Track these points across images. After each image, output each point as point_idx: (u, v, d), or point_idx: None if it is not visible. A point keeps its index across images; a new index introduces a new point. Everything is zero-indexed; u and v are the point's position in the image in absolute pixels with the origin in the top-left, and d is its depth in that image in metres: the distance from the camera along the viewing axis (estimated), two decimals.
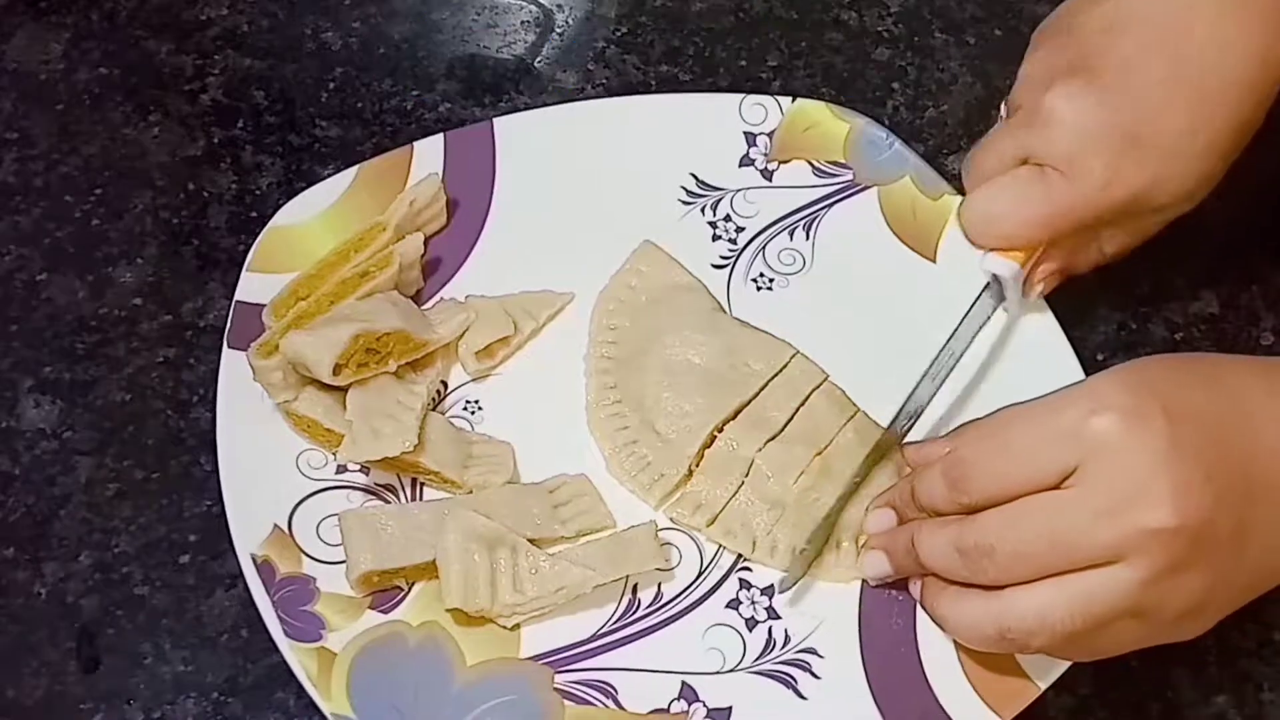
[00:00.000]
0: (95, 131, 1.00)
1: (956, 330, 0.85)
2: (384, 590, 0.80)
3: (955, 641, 0.79)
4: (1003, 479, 0.71)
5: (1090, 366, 0.88)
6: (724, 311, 0.91)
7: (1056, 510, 0.70)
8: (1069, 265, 0.88)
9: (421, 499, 0.84)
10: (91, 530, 0.85)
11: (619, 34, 1.06)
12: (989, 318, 0.87)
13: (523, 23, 1.06)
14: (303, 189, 0.92)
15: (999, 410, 0.75)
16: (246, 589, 0.82)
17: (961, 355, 0.86)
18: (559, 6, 1.07)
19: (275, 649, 0.80)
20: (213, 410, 0.87)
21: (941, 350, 0.85)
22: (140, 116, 1.01)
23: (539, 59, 1.04)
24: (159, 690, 0.80)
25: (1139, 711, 0.82)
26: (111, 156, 0.99)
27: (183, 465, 0.87)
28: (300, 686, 0.79)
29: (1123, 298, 0.95)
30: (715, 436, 0.85)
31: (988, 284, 0.86)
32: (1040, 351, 0.88)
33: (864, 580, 0.82)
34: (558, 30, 1.06)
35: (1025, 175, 0.83)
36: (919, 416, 0.84)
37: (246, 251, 0.92)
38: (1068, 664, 0.78)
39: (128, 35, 1.04)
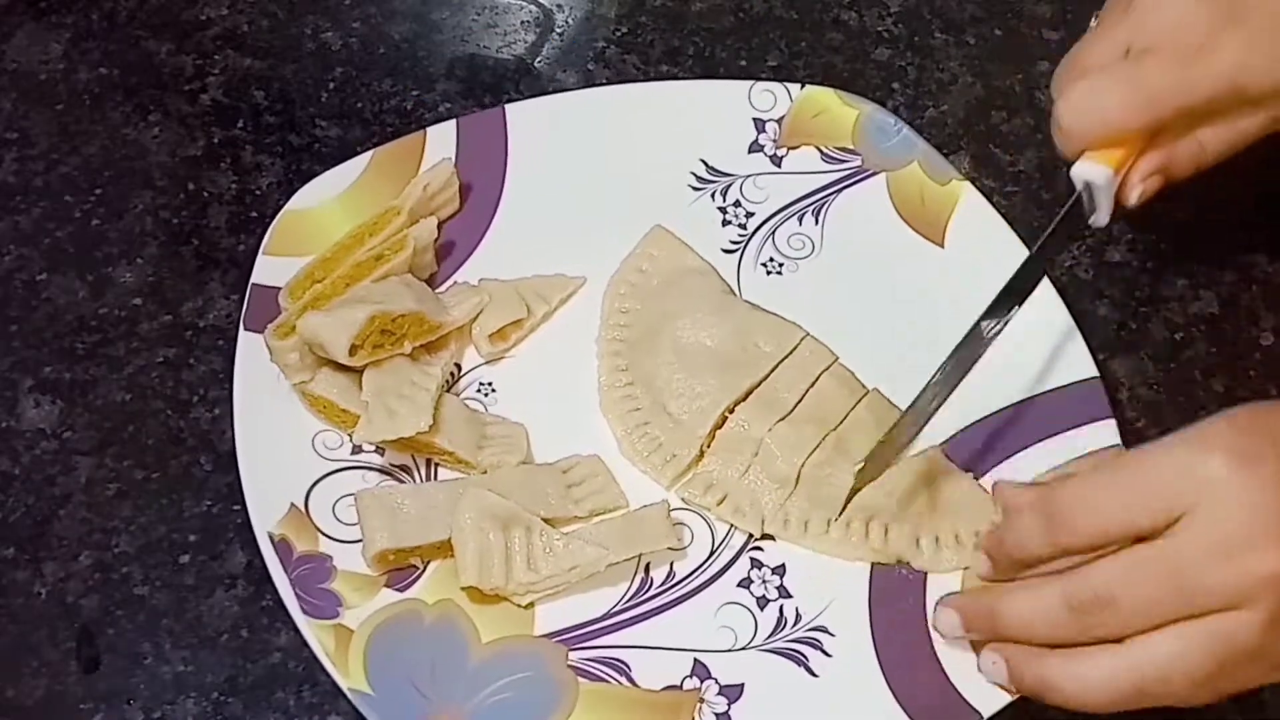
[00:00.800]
0: (95, 131, 1.03)
1: (1045, 239, 0.85)
2: (400, 568, 0.84)
3: None
4: (1107, 518, 0.72)
5: None
6: (734, 294, 0.95)
7: (1175, 554, 0.70)
8: (1169, 168, 0.85)
9: (436, 479, 0.88)
10: (91, 530, 0.88)
11: (619, 34, 1.10)
12: (1083, 230, 0.88)
13: (523, 23, 1.10)
14: (306, 185, 0.96)
15: (1088, 457, 0.79)
16: (246, 589, 0.86)
17: (1041, 276, 0.86)
18: (559, 6, 1.11)
19: (275, 649, 0.85)
20: (213, 410, 0.92)
21: (1024, 267, 0.85)
22: (140, 116, 1.04)
23: (539, 59, 1.08)
24: (159, 690, 0.83)
25: (1139, 711, 0.82)
26: (111, 156, 1.02)
27: (183, 465, 0.90)
28: (300, 686, 0.84)
29: (1123, 297, 0.98)
30: (726, 417, 0.89)
31: (1075, 200, 0.84)
32: (1051, 340, 0.93)
33: (873, 561, 0.87)
34: (558, 30, 1.10)
35: (1120, 65, 0.82)
36: (997, 335, 0.85)
37: (246, 251, 0.96)
38: None
39: (128, 35, 1.08)
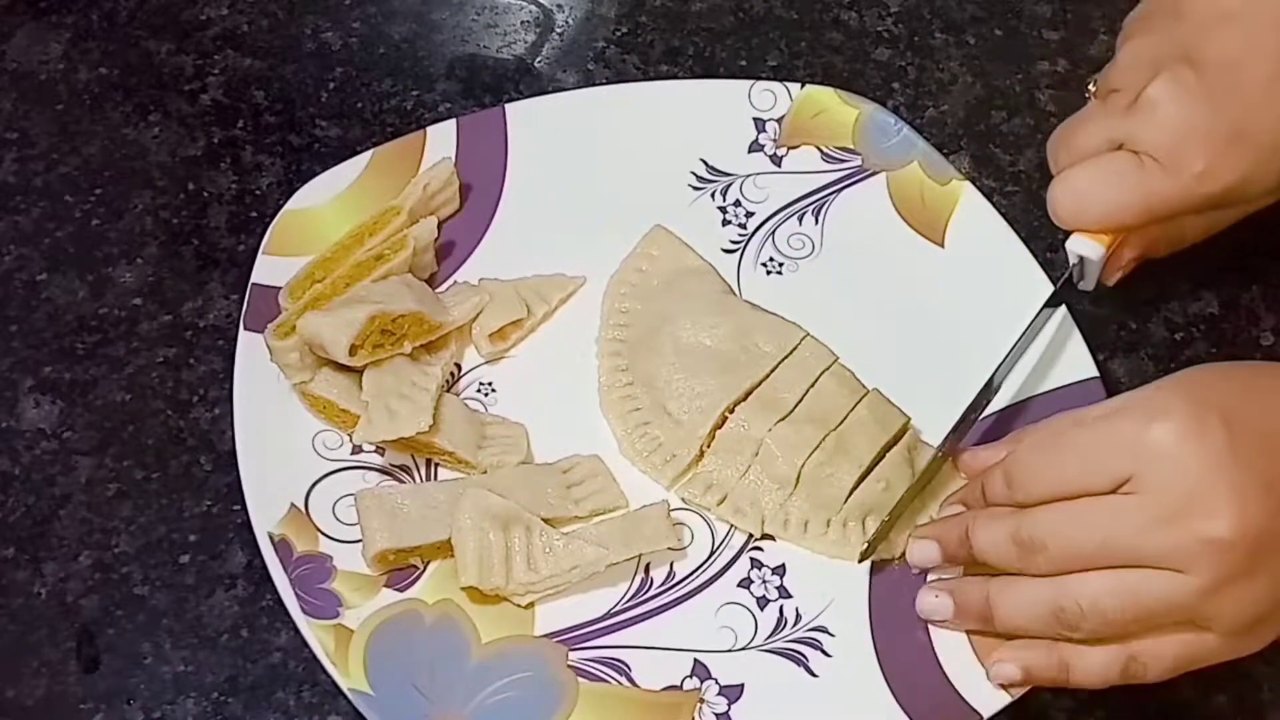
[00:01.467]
0: (95, 131, 1.03)
1: (1036, 318, 0.90)
2: (400, 568, 0.85)
3: None
4: (1058, 482, 0.76)
5: None
6: (734, 294, 0.95)
7: (1112, 515, 0.74)
8: (1149, 249, 0.91)
9: (436, 479, 0.88)
10: (91, 530, 0.88)
11: (619, 34, 1.10)
12: (1073, 295, 0.92)
13: (523, 23, 1.10)
14: (305, 185, 0.96)
15: (1056, 416, 0.81)
16: (246, 589, 0.86)
17: (1041, 331, 0.91)
18: (559, 6, 1.11)
19: (275, 649, 0.85)
20: (213, 410, 0.92)
21: (1021, 337, 0.90)
22: (140, 116, 1.04)
23: (539, 59, 1.08)
24: (159, 690, 0.83)
25: (1139, 711, 0.84)
26: (111, 156, 1.02)
27: (183, 465, 0.90)
28: (300, 686, 0.84)
29: (1123, 297, 0.98)
30: (726, 417, 0.89)
31: (1067, 275, 0.90)
32: (1051, 340, 0.93)
33: (873, 560, 0.86)
34: (558, 30, 1.10)
35: (1123, 161, 0.85)
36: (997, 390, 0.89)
37: (246, 251, 0.96)
38: None
39: (128, 35, 1.08)
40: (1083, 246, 0.88)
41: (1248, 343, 0.99)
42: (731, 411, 0.90)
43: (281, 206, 0.96)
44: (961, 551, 0.82)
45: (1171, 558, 0.72)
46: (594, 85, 1.06)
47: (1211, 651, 0.75)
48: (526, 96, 1.05)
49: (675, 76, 1.08)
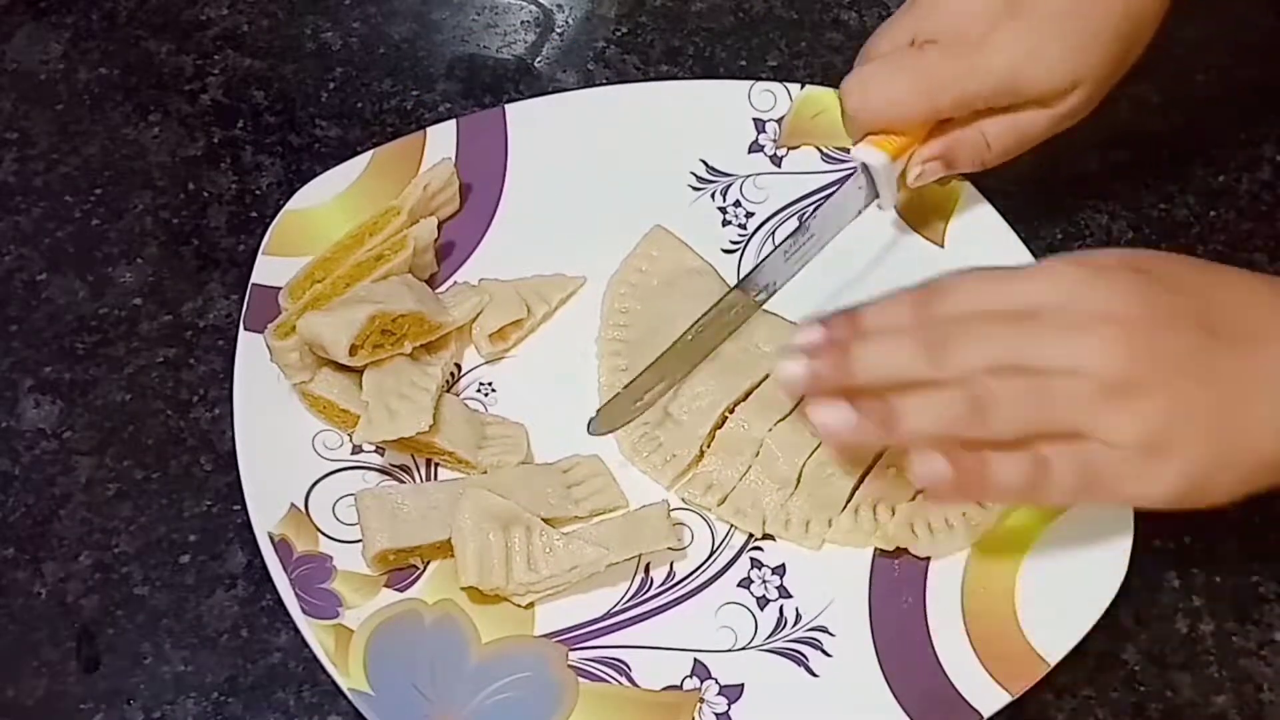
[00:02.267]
0: (95, 131, 1.03)
1: (817, 213, 0.91)
2: (400, 569, 0.85)
3: (965, 618, 0.83)
4: (974, 306, 0.76)
5: None
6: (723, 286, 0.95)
7: (1022, 322, 0.74)
8: (951, 156, 0.90)
9: (436, 479, 0.88)
10: (91, 530, 0.88)
11: (619, 34, 1.10)
12: (860, 211, 0.92)
13: (523, 23, 1.10)
14: (306, 185, 0.96)
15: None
16: (246, 589, 0.86)
17: (825, 244, 0.92)
18: (559, 6, 1.11)
19: (275, 649, 0.85)
20: (213, 410, 0.92)
21: (798, 230, 0.91)
22: (140, 116, 1.04)
23: (539, 59, 1.08)
24: (159, 690, 0.83)
25: (1139, 711, 0.84)
26: (111, 156, 1.02)
27: (183, 465, 0.90)
28: (300, 686, 0.84)
29: None
30: (726, 418, 0.89)
31: (856, 173, 0.90)
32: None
33: (874, 558, 0.86)
34: (558, 30, 1.10)
35: (907, 53, 0.87)
36: (774, 292, 0.91)
37: (246, 251, 0.96)
38: (1077, 639, 0.81)
39: (128, 35, 1.08)
40: (867, 154, 0.88)
41: None
42: (731, 411, 0.90)
43: (281, 206, 0.96)
44: (836, 374, 0.76)
45: (1073, 357, 0.73)
46: (594, 85, 1.06)
47: (1115, 470, 0.74)
48: (526, 97, 1.05)
49: (675, 76, 1.08)
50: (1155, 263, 0.76)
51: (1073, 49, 0.86)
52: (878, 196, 0.91)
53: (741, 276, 0.92)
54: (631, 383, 0.90)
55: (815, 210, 0.91)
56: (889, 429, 0.76)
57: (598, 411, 0.90)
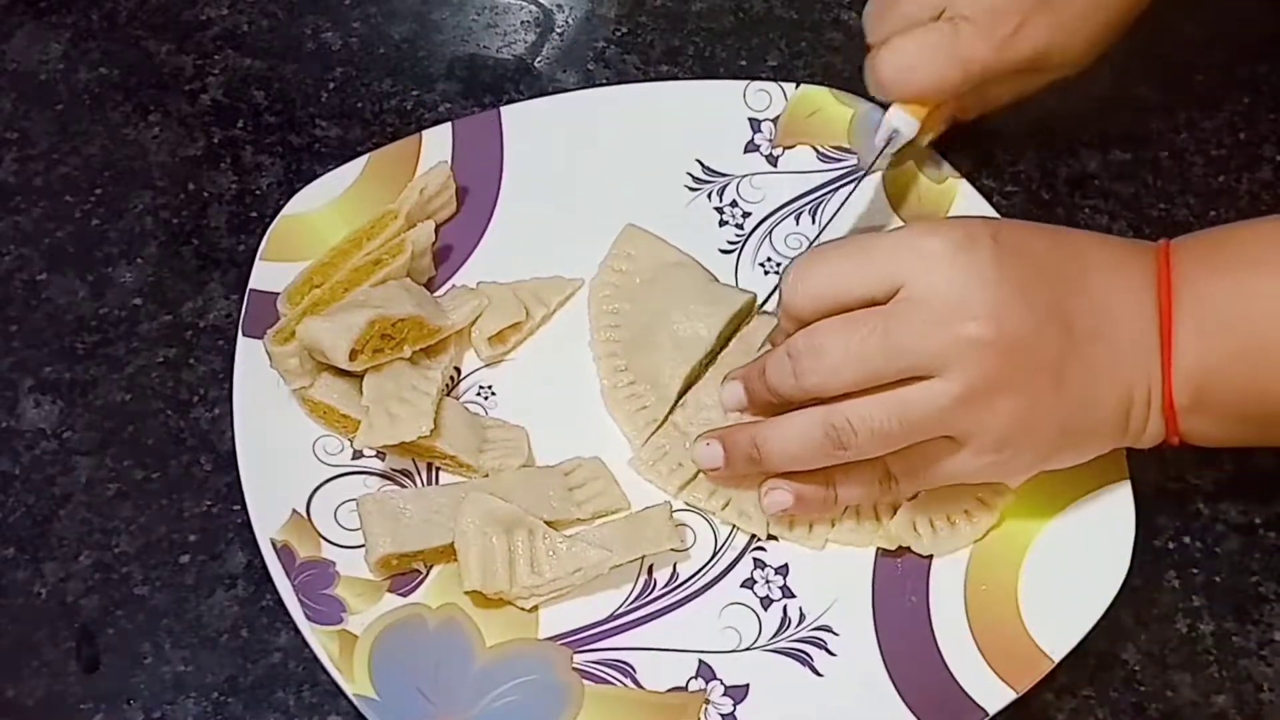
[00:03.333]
0: (95, 131, 1.03)
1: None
2: (403, 573, 0.84)
3: (968, 616, 0.83)
4: (830, 288, 0.79)
5: None
6: (718, 282, 0.95)
7: (886, 316, 0.76)
8: (959, 112, 0.95)
9: (437, 484, 0.88)
10: (91, 530, 0.87)
11: (619, 34, 1.09)
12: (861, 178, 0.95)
13: (523, 23, 1.09)
14: (301, 190, 0.96)
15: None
16: (246, 589, 0.86)
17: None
18: (559, 6, 1.10)
19: (275, 649, 0.84)
20: (213, 410, 0.91)
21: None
22: (140, 116, 1.04)
23: (539, 59, 1.08)
24: (159, 690, 0.83)
25: (1139, 711, 0.84)
26: (111, 156, 1.02)
27: (183, 465, 0.90)
28: (300, 686, 0.83)
29: None
30: None
31: (888, 139, 0.92)
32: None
33: (876, 557, 0.86)
34: (558, 30, 1.09)
35: (943, 30, 0.89)
36: None
37: (246, 251, 0.95)
38: (1081, 635, 0.81)
39: (128, 35, 1.08)
40: (901, 120, 0.91)
41: None
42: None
43: (281, 207, 0.95)
44: (762, 389, 0.83)
45: (935, 359, 0.75)
46: (594, 85, 1.05)
47: (963, 467, 0.79)
48: (527, 97, 1.05)
49: (675, 76, 1.07)
50: (1013, 234, 0.79)
51: (1094, 39, 0.91)
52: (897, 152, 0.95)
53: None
54: (667, 415, 0.90)
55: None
56: (754, 461, 0.83)
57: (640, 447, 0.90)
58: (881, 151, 0.92)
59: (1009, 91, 0.95)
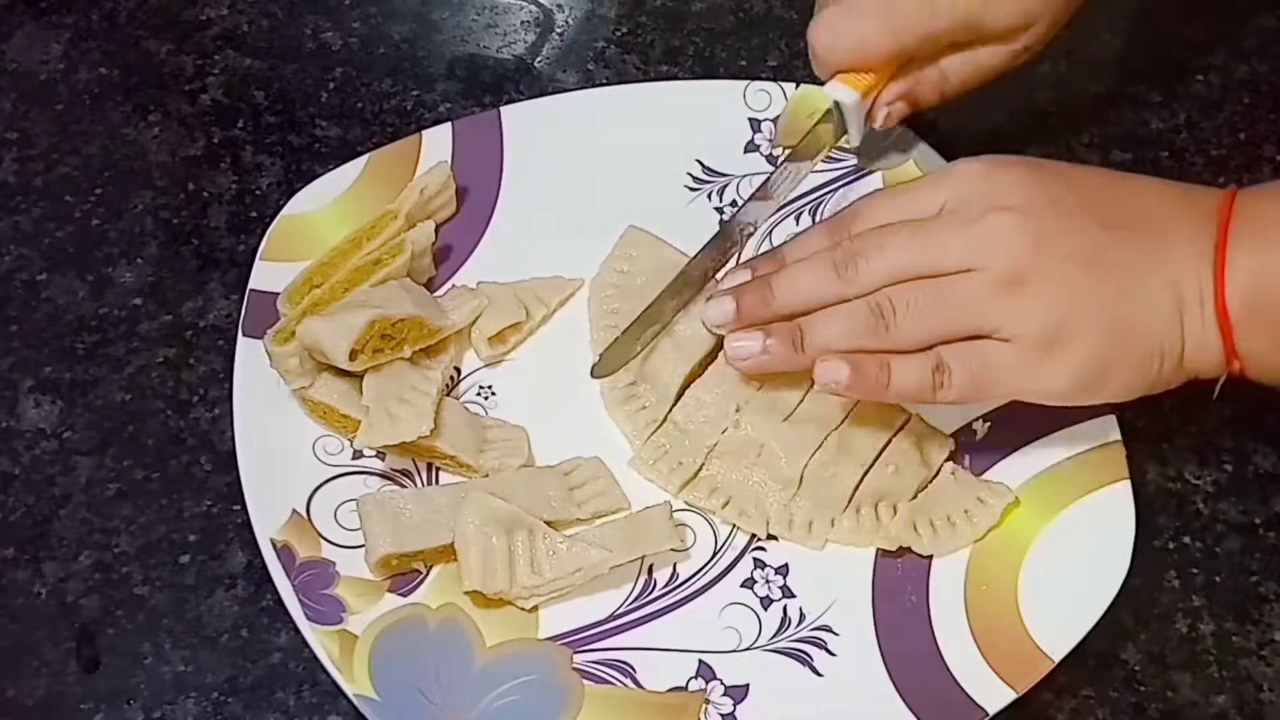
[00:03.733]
0: (95, 131, 1.03)
1: (790, 154, 0.92)
2: (403, 573, 0.84)
3: (968, 616, 0.83)
4: (883, 218, 0.81)
5: None
6: (718, 282, 0.93)
7: (925, 224, 0.79)
8: (913, 94, 0.92)
9: (437, 484, 0.88)
10: (91, 530, 0.88)
11: (619, 34, 1.09)
12: (829, 148, 0.93)
13: (523, 23, 1.10)
14: (301, 190, 0.96)
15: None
16: (246, 589, 0.86)
17: (800, 181, 0.93)
18: (559, 6, 1.11)
19: (275, 649, 0.84)
20: (213, 410, 0.91)
21: (774, 173, 0.91)
22: (140, 116, 1.04)
23: (539, 59, 1.08)
24: (159, 690, 0.83)
25: (1139, 711, 0.84)
26: (111, 156, 1.02)
27: (183, 465, 0.90)
28: (300, 686, 0.83)
29: None
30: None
31: (826, 113, 0.91)
32: None
33: (876, 557, 0.86)
34: (558, 30, 1.10)
35: None
36: (753, 233, 0.92)
37: (246, 251, 0.96)
38: (1081, 635, 0.81)
39: (128, 35, 1.08)
40: (839, 91, 0.89)
41: None
42: (737, 411, 0.89)
43: (281, 207, 0.95)
44: (760, 307, 0.83)
45: (967, 253, 0.77)
46: (594, 85, 1.06)
47: (1012, 364, 0.78)
48: (527, 97, 1.05)
49: (675, 76, 1.07)
50: (1057, 164, 0.81)
51: (1028, 6, 0.89)
52: (845, 134, 0.92)
53: (724, 220, 0.94)
54: (630, 326, 0.90)
55: (788, 153, 0.92)
56: (797, 347, 0.81)
57: (600, 356, 0.90)
58: (823, 127, 0.91)
59: (964, 70, 0.93)
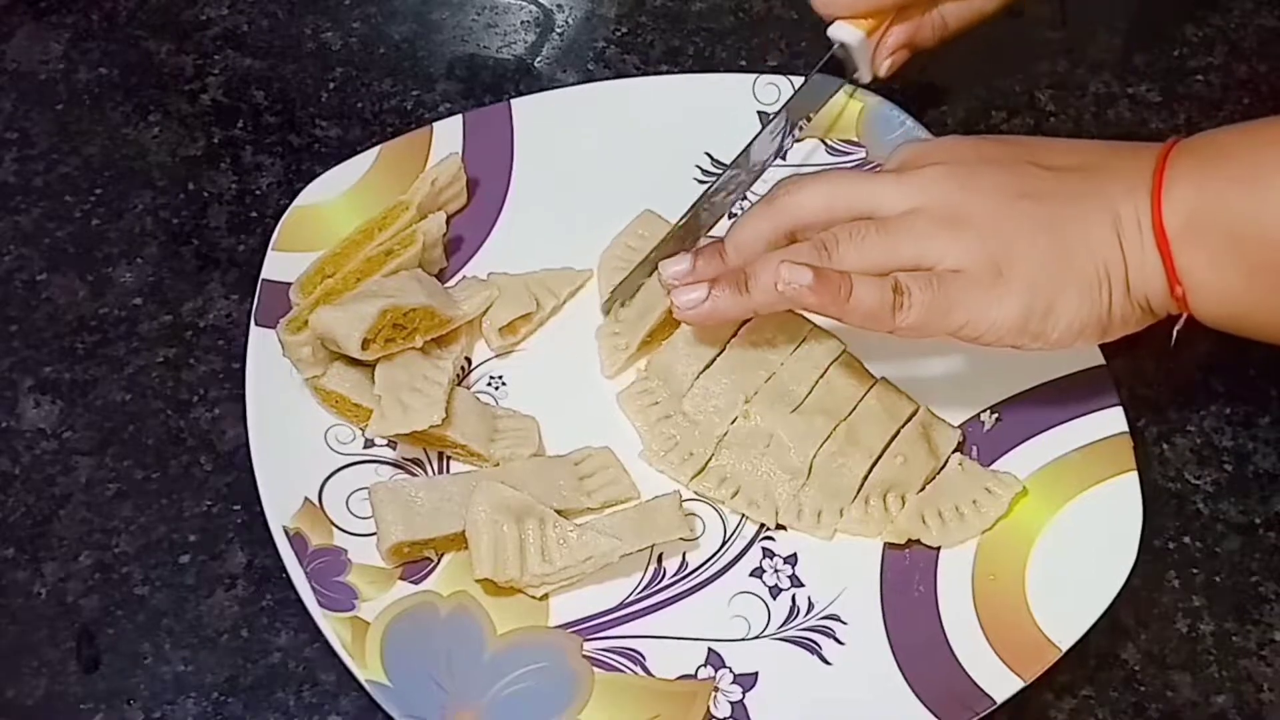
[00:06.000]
0: (95, 131, 1.05)
1: (794, 95, 0.97)
2: (414, 561, 0.86)
3: (976, 606, 0.86)
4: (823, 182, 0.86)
5: None
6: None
7: (861, 178, 0.86)
8: (914, 40, 0.97)
9: (448, 473, 0.90)
10: (91, 530, 0.89)
11: (619, 34, 1.12)
12: (835, 90, 0.99)
13: (523, 23, 1.12)
14: (303, 190, 0.98)
15: None
16: (246, 589, 0.88)
17: (801, 124, 0.98)
18: (559, 6, 1.13)
19: (275, 649, 0.86)
20: (213, 410, 0.93)
21: (778, 112, 0.97)
22: (140, 116, 1.06)
23: (539, 59, 1.10)
24: (159, 690, 0.85)
25: (1139, 711, 0.86)
26: (111, 156, 1.04)
27: (183, 465, 0.92)
28: (300, 686, 0.85)
29: None
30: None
31: (828, 57, 0.96)
32: None
33: (885, 546, 0.89)
34: (558, 30, 1.12)
35: None
36: (762, 172, 0.99)
37: (246, 251, 0.98)
38: (1088, 624, 0.84)
39: (128, 35, 1.10)
40: (844, 32, 0.95)
41: (1248, 342, 0.93)
42: (747, 402, 0.92)
43: (282, 206, 0.97)
44: (714, 260, 0.88)
45: (906, 198, 0.82)
46: None
47: (962, 293, 0.80)
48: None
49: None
50: (994, 137, 0.88)
51: None
52: (848, 79, 0.98)
53: (734, 157, 0.97)
54: (641, 262, 0.94)
55: (794, 94, 0.97)
56: (742, 289, 0.84)
57: (611, 292, 0.94)
58: (831, 61, 0.97)
59: (962, 12, 0.97)
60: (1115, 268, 0.80)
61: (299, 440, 0.90)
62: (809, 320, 0.94)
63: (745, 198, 1.00)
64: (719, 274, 0.86)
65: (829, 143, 1.03)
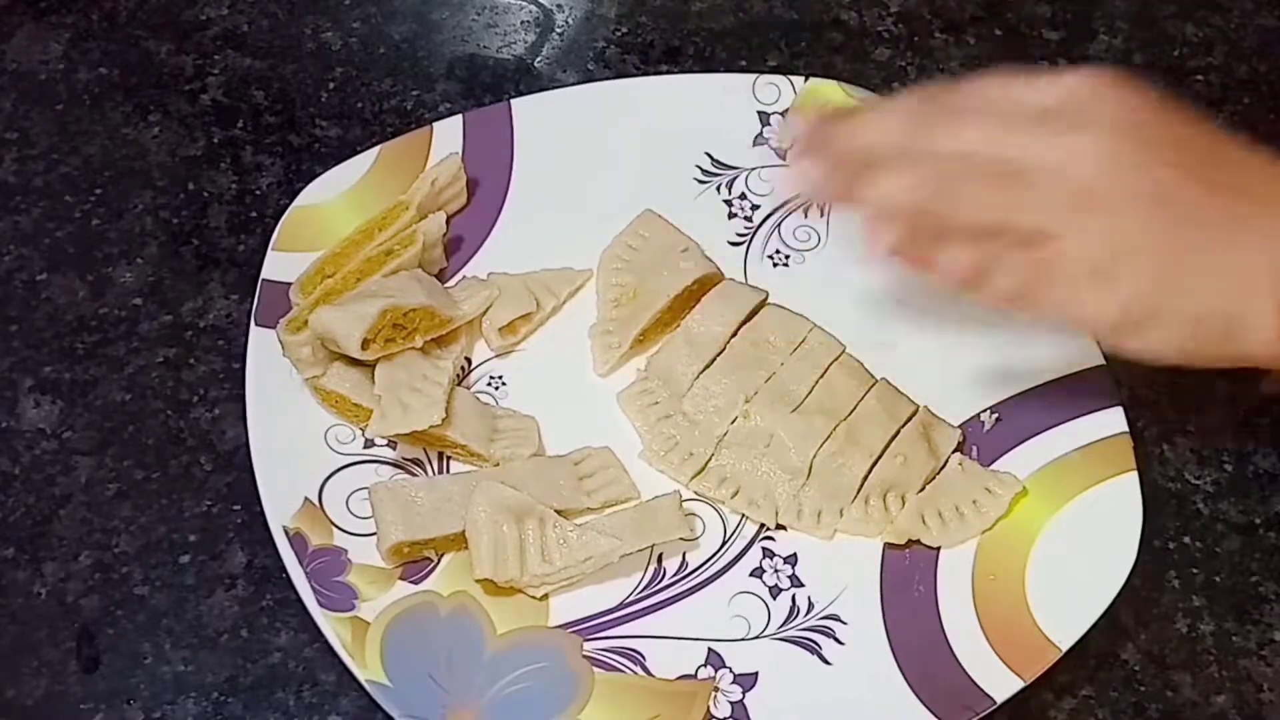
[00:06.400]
0: (95, 131, 1.05)
1: None
2: (414, 561, 0.87)
3: (976, 606, 0.86)
4: (983, 97, 0.78)
5: None
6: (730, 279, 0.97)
7: (1012, 120, 0.76)
8: None
9: (448, 473, 0.91)
10: (91, 530, 0.90)
11: (619, 34, 1.12)
12: None
13: (523, 23, 1.12)
14: (303, 189, 0.98)
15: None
16: (246, 589, 0.88)
17: None
18: (559, 6, 1.13)
19: (275, 649, 0.87)
20: (213, 410, 0.94)
21: None
22: (140, 116, 1.06)
23: (539, 59, 1.11)
24: (159, 690, 0.85)
25: (1139, 711, 0.87)
26: (111, 156, 1.04)
27: (183, 465, 0.92)
28: (300, 686, 0.86)
29: None
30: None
31: None
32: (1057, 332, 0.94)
33: (885, 546, 0.89)
34: (558, 30, 1.12)
35: None
36: None
37: (246, 251, 0.99)
38: (1088, 625, 0.84)
39: (128, 35, 1.10)
40: None
41: None
42: (748, 402, 0.92)
43: (282, 206, 0.98)
44: (829, 138, 0.82)
45: (1058, 154, 0.74)
46: None
47: (1059, 281, 0.76)
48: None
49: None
50: (1179, 105, 0.76)
51: None
52: None
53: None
54: None
55: None
56: (856, 189, 0.79)
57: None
58: None
59: None
60: (1232, 319, 0.74)
61: (299, 440, 0.90)
62: (808, 320, 0.95)
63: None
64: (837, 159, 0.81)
65: None
